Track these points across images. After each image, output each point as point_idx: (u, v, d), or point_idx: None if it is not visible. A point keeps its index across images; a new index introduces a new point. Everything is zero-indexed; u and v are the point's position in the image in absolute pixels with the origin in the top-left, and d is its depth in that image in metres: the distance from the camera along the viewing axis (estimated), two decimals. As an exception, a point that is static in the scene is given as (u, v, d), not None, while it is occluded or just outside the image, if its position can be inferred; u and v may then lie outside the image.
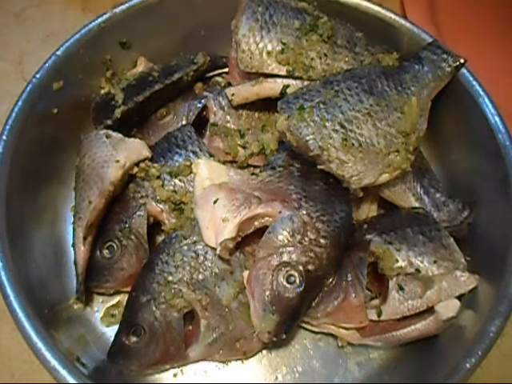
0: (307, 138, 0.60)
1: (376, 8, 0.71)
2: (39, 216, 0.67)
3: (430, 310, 0.61)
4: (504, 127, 0.63)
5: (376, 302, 0.65)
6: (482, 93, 0.65)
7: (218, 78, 0.75)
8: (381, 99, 0.63)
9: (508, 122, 0.64)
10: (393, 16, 0.71)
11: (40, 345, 0.52)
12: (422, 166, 0.71)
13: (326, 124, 0.61)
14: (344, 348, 0.64)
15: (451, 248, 0.63)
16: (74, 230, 0.63)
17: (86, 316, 0.65)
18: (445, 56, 0.66)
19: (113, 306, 0.66)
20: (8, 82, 0.68)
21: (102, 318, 0.65)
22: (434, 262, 0.62)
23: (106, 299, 0.67)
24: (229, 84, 0.73)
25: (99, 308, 0.66)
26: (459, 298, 0.61)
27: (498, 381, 0.65)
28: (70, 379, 0.51)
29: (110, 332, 0.64)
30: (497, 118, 0.64)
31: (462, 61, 0.66)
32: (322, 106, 0.62)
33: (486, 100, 0.65)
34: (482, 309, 0.59)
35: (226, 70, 0.75)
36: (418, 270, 0.61)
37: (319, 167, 0.61)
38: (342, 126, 0.61)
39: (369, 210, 0.71)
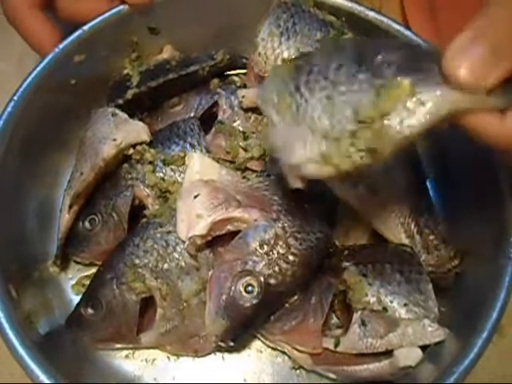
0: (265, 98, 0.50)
1: (406, 32, 0.68)
2: (39, 178, 0.70)
3: (388, 354, 0.58)
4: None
5: (339, 331, 0.62)
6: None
7: (235, 78, 0.75)
8: (364, 71, 0.44)
9: None
10: (422, 43, 0.67)
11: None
12: (422, 204, 0.67)
13: (289, 83, 0.48)
14: (297, 370, 0.63)
15: (427, 295, 0.59)
16: (63, 197, 0.67)
17: (59, 281, 0.67)
18: None
19: (86, 276, 0.68)
20: (8, 82, 0.68)
21: (74, 285, 0.67)
22: (405, 304, 0.58)
23: (83, 269, 0.69)
24: (244, 85, 0.73)
25: (74, 276, 0.68)
26: (424, 348, 0.57)
27: (496, 380, 0.63)
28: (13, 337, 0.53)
29: (78, 301, 0.66)
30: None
31: None
32: (299, 61, 0.50)
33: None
34: (441, 365, 0.55)
35: (246, 70, 0.75)
36: (385, 309, 0.58)
37: None
38: (297, 88, 0.47)
39: (359, 239, 0.68)
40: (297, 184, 0.48)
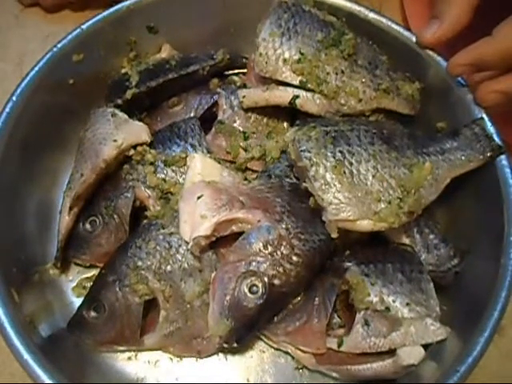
0: (303, 148, 0.59)
1: (406, 34, 0.69)
2: (38, 178, 0.69)
3: (391, 353, 0.58)
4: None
5: (342, 331, 0.63)
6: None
7: (235, 77, 0.75)
8: (393, 150, 0.61)
9: None
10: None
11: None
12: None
13: (328, 145, 0.60)
14: (300, 370, 0.63)
15: (428, 294, 0.60)
16: (63, 198, 0.66)
17: (59, 283, 0.67)
18: (483, 142, 0.62)
19: (87, 278, 0.67)
20: (8, 83, 0.68)
21: (74, 288, 0.67)
22: (407, 304, 0.59)
23: (83, 271, 0.68)
24: (244, 85, 0.73)
25: (74, 278, 0.68)
26: (426, 346, 0.58)
27: (497, 381, 0.63)
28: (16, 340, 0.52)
29: (78, 303, 0.65)
30: (507, 170, 0.61)
31: (500, 151, 0.62)
32: (332, 132, 0.61)
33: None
34: (444, 363, 0.56)
35: (245, 70, 0.75)
36: (387, 309, 0.59)
37: (303, 185, 0.59)
38: (342, 153, 0.59)
39: (358, 239, 0.68)
40: (335, 234, 0.58)
